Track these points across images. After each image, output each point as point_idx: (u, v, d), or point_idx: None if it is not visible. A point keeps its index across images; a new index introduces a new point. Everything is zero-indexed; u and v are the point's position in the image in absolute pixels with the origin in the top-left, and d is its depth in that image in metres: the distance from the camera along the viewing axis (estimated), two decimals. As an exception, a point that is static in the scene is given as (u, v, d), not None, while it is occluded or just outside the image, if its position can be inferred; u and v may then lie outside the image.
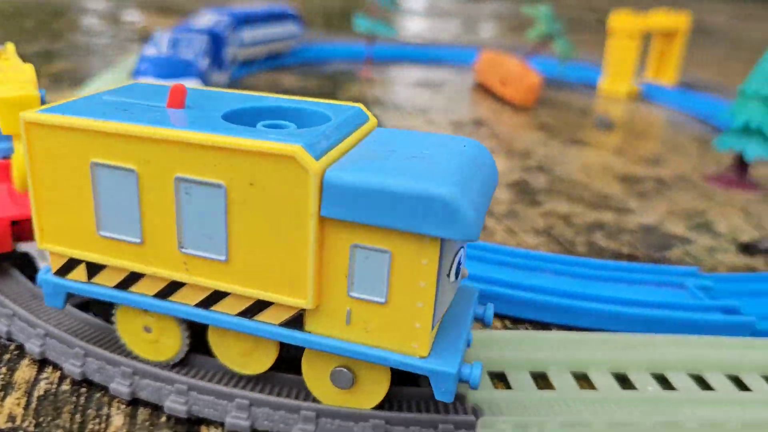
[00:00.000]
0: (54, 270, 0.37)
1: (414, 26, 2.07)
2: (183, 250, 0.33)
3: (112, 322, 0.38)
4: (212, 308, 0.35)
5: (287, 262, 0.32)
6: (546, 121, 1.05)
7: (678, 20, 1.29)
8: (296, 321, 0.33)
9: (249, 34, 1.18)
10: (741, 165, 0.81)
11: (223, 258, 0.33)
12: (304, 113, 0.36)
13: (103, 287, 0.36)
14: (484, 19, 2.40)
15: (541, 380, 0.41)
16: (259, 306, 0.34)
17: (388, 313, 0.31)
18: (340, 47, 1.44)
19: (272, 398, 0.36)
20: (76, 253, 0.35)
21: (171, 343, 0.38)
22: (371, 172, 0.30)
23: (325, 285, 0.32)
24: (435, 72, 1.38)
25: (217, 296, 0.34)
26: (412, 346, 0.32)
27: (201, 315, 0.35)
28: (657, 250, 0.60)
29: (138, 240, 0.34)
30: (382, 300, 0.31)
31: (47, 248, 0.36)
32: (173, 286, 0.35)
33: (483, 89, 1.24)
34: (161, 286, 0.35)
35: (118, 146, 0.32)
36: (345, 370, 0.34)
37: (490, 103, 1.13)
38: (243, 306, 0.34)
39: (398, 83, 1.25)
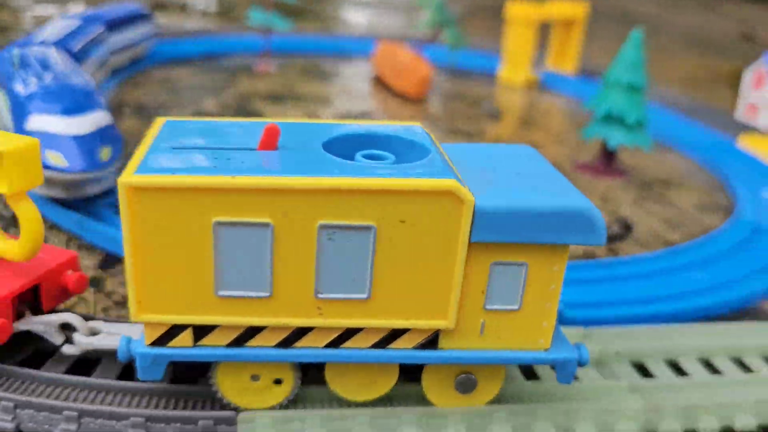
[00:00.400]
0: (149, 341, 0.34)
1: (355, 18, 2.05)
2: (319, 295, 0.33)
3: (210, 382, 0.36)
4: (342, 346, 0.35)
5: (430, 289, 0.33)
6: (434, 111, 1.05)
7: (576, 9, 1.31)
8: (431, 342, 0.35)
9: (110, 41, 0.99)
10: (607, 153, 0.83)
11: (364, 296, 0.33)
12: (382, 138, 0.37)
13: (213, 348, 0.34)
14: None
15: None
16: (394, 334, 0.35)
17: (520, 318, 0.35)
18: (243, 40, 1.42)
19: (36, 399, 0.36)
20: (183, 319, 0.33)
21: (282, 387, 0.37)
22: (511, 195, 0.33)
23: (462, 303, 0.34)
24: (336, 64, 1.36)
25: (349, 334, 0.35)
26: (538, 342, 0.36)
27: (329, 355, 0.35)
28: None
29: (266, 294, 0.33)
30: (516, 307, 0.35)
31: (145, 319, 0.33)
32: (299, 333, 0.34)
33: (380, 81, 1.23)
34: (285, 334, 0.34)
35: (249, 202, 0.31)
36: (470, 375, 0.37)
37: (384, 95, 1.13)
38: (377, 338, 0.35)
39: (295, 76, 1.23)
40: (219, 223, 0.31)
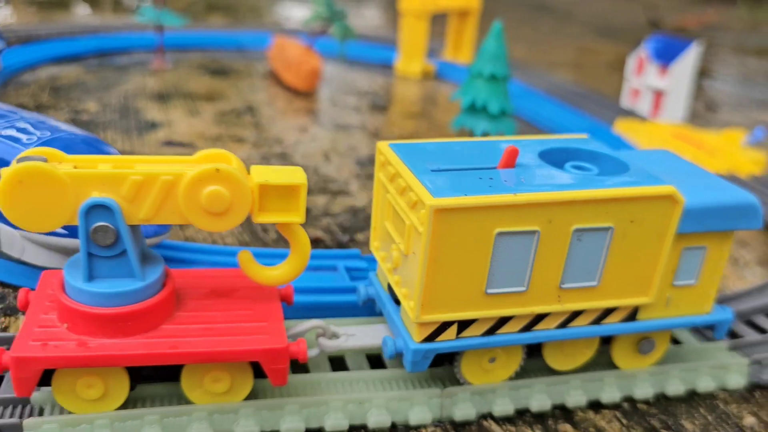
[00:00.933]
0: (421, 338, 0.39)
1: (290, 12, 2.03)
2: (562, 286, 0.40)
3: (455, 367, 0.42)
4: (569, 326, 0.42)
5: (640, 273, 0.42)
6: (320, 106, 1.06)
7: (470, 1, 1.33)
8: (632, 315, 0.43)
9: None
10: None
11: (595, 284, 0.41)
12: (574, 150, 0.45)
13: (470, 338, 0.40)
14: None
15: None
16: (606, 312, 0.43)
17: (695, 290, 0.44)
18: (144, 36, 1.39)
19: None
20: (454, 316, 0.39)
21: (509, 366, 0.44)
22: (701, 194, 0.42)
23: (658, 283, 0.43)
24: (235, 60, 1.35)
25: (574, 315, 0.42)
26: (704, 308, 0.45)
27: (559, 334, 0.42)
28: (350, 234, 0.63)
29: (523, 288, 0.40)
30: (694, 282, 0.44)
31: (425, 320, 0.38)
32: (538, 318, 0.41)
33: (274, 75, 1.23)
34: (528, 321, 0.41)
35: (525, 214, 0.37)
36: (651, 339, 0.46)
37: (276, 90, 1.13)
38: (594, 316, 0.43)
39: (189, 73, 1.21)
40: (500, 233, 0.37)
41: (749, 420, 0.45)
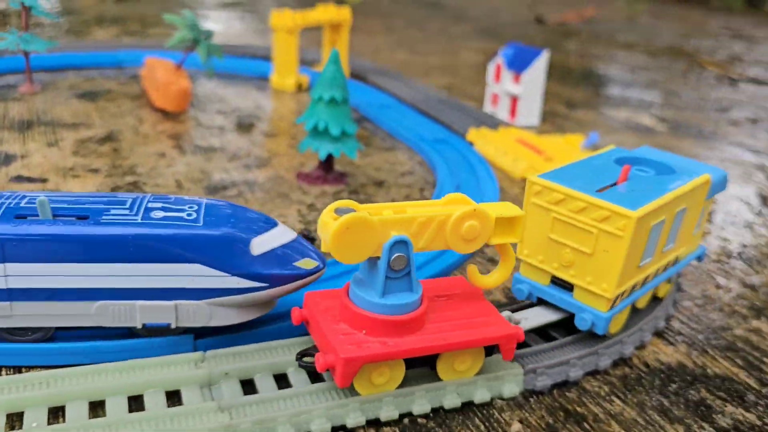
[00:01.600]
0: (607, 309, 0.54)
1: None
2: (663, 250, 0.58)
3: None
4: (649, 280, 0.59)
5: (689, 231, 0.62)
6: (186, 128, 1.08)
7: (341, 13, 1.38)
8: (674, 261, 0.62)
9: None
10: (323, 162, 0.90)
11: (673, 246, 0.60)
12: (642, 159, 0.62)
13: (623, 301, 0.56)
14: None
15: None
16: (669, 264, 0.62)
17: (698, 236, 0.65)
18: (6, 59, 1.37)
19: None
20: (625, 287, 0.54)
21: None
22: (709, 172, 0.60)
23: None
24: (110, 81, 1.35)
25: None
26: (698, 246, 0.66)
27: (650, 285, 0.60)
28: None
29: (651, 258, 0.56)
30: (699, 230, 0.64)
31: (615, 294, 0.53)
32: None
33: (146, 97, 1.25)
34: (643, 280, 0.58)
35: (662, 210, 0.54)
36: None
37: (144, 112, 1.14)
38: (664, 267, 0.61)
39: (59, 96, 1.21)
40: (654, 225, 0.54)
41: (516, 426, 0.49)
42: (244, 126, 1.12)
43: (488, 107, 1.32)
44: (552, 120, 1.30)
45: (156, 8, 2.11)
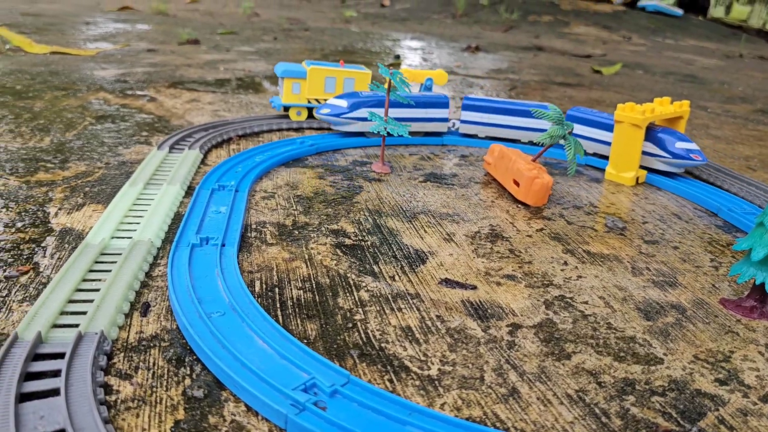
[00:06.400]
0: None
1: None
2: None
3: None
4: None
5: None
6: (561, 227, 1.05)
7: (682, 106, 1.31)
8: None
9: None
10: (760, 289, 0.82)
11: None
12: None
13: None
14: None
15: None
16: None
17: None
18: None
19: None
20: None
21: None
22: None
23: None
24: (437, 161, 1.38)
25: None
26: None
27: None
28: (690, 420, 0.61)
29: None
30: None
31: None
32: None
33: (495, 184, 1.25)
34: None
35: None
36: None
37: (505, 204, 1.14)
38: None
39: (408, 177, 1.25)
40: None
41: None
42: (618, 229, 1.07)
43: None
44: None
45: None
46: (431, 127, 1.48)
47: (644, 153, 1.32)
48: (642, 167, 1.35)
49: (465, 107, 1.47)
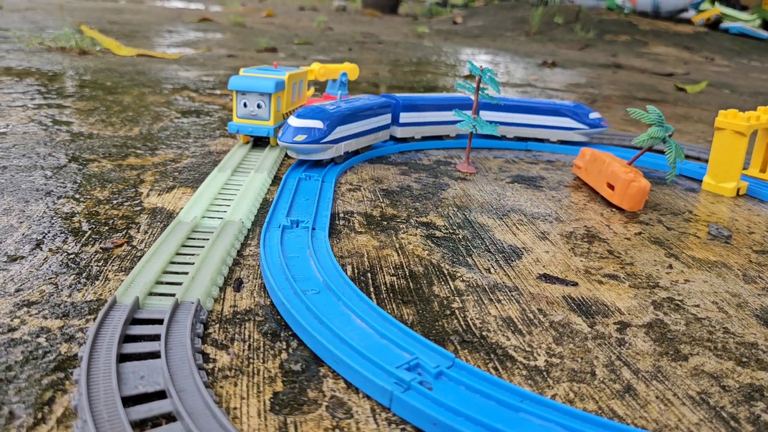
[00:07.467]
0: None
1: None
2: None
3: None
4: None
5: None
6: (660, 232, 1.00)
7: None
8: None
9: None
10: None
11: None
12: None
13: None
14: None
15: None
16: None
17: None
18: None
19: None
20: None
21: None
22: None
23: None
24: (527, 165, 1.34)
25: None
26: None
27: None
28: None
29: None
30: None
31: None
32: None
33: (585, 188, 1.20)
34: None
35: None
36: None
37: (598, 206, 1.08)
38: None
39: (494, 178, 1.22)
40: None
41: None
42: (723, 237, 1.00)
43: None
44: None
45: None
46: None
47: (560, 128, 1.43)
48: (562, 141, 1.45)
49: (403, 108, 1.30)
